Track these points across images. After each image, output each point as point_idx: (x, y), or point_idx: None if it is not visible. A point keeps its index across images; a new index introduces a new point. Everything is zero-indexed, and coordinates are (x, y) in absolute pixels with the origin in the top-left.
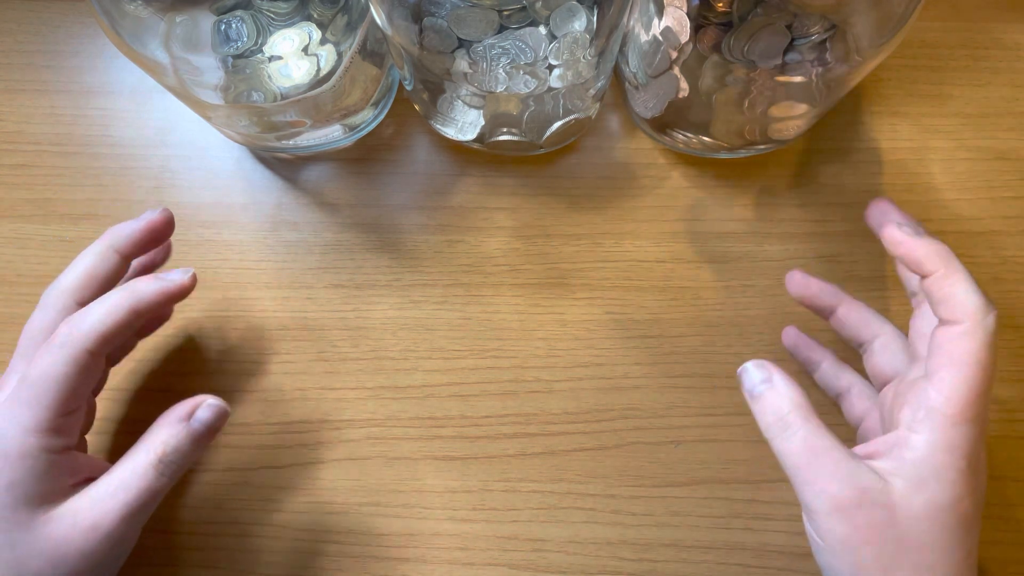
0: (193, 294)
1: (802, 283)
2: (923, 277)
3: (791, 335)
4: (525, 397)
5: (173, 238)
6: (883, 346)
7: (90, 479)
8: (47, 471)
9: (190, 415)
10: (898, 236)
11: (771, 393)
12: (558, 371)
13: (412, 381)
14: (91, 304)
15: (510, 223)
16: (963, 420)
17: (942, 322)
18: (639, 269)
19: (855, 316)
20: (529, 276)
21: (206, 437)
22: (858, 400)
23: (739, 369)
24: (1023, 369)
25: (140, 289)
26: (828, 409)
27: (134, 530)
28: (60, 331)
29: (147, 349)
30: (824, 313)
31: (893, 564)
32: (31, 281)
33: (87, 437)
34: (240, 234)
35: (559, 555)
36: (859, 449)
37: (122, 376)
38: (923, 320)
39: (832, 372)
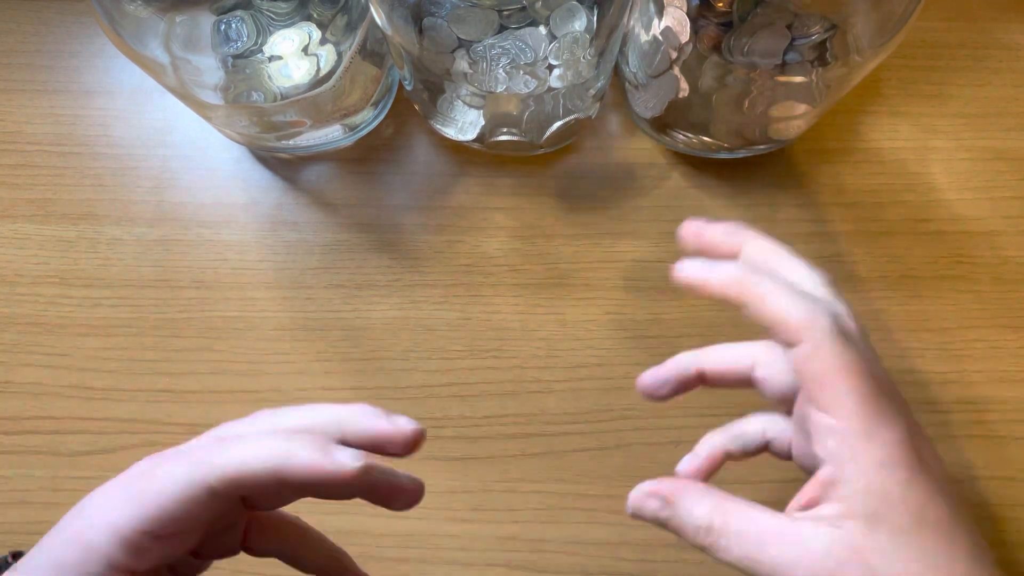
0: (194, 294)
1: (653, 385)
2: (741, 309)
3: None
4: (525, 397)
5: (172, 238)
6: (765, 368)
7: None
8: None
9: None
10: (686, 276)
11: (683, 512)
12: (558, 371)
13: (412, 381)
14: (248, 436)
15: (510, 223)
16: (875, 429)
17: (784, 345)
18: (639, 269)
19: (719, 367)
20: (529, 276)
21: None
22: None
23: (629, 509)
24: (1023, 369)
25: (295, 455)
26: None
27: None
28: (199, 443)
29: (146, 349)
30: (694, 386)
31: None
32: (31, 281)
33: None
34: (240, 234)
35: (559, 555)
36: (800, 498)
37: (122, 376)
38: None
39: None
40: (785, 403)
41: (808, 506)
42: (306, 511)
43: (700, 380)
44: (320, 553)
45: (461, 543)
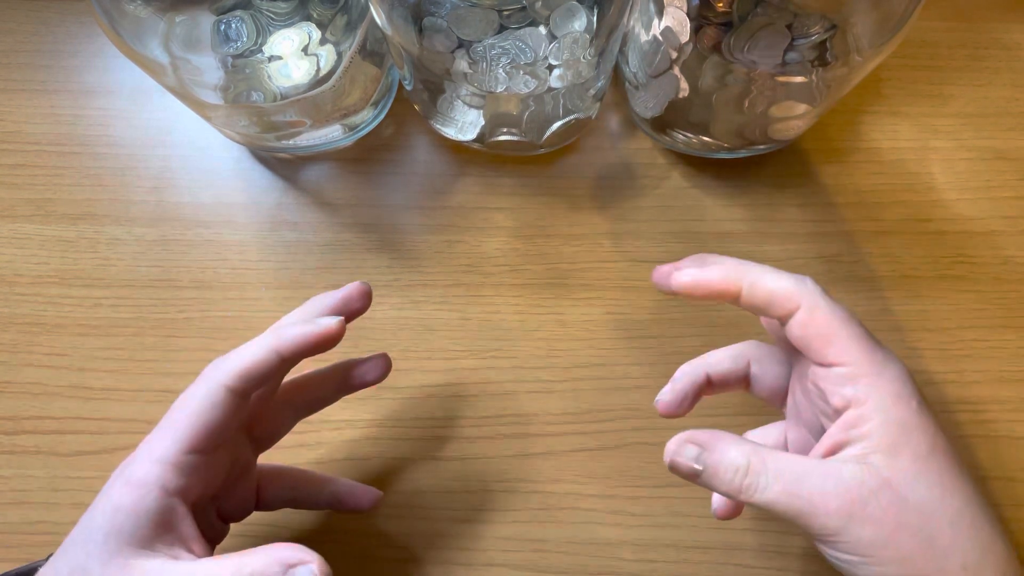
0: (193, 294)
1: (670, 404)
2: (736, 301)
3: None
4: (525, 397)
5: (172, 238)
6: (759, 364)
7: (184, 553)
8: (154, 509)
9: (295, 564)
10: (686, 279)
11: (718, 456)
12: (558, 371)
13: (412, 381)
14: (241, 346)
15: (510, 223)
16: (883, 367)
17: (783, 318)
18: (639, 269)
19: (719, 372)
20: (529, 276)
21: None
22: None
23: (667, 458)
24: (1023, 369)
25: (284, 333)
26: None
27: None
28: (204, 371)
29: (146, 349)
30: (705, 394)
31: (928, 533)
32: (31, 281)
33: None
34: (240, 234)
35: (559, 555)
36: (820, 448)
37: (122, 376)
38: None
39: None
40: (778, 397)
41: (832, 451)
42: (306, 511)
43: (709, 385)
44: (325, 486)
45: (461, 543)
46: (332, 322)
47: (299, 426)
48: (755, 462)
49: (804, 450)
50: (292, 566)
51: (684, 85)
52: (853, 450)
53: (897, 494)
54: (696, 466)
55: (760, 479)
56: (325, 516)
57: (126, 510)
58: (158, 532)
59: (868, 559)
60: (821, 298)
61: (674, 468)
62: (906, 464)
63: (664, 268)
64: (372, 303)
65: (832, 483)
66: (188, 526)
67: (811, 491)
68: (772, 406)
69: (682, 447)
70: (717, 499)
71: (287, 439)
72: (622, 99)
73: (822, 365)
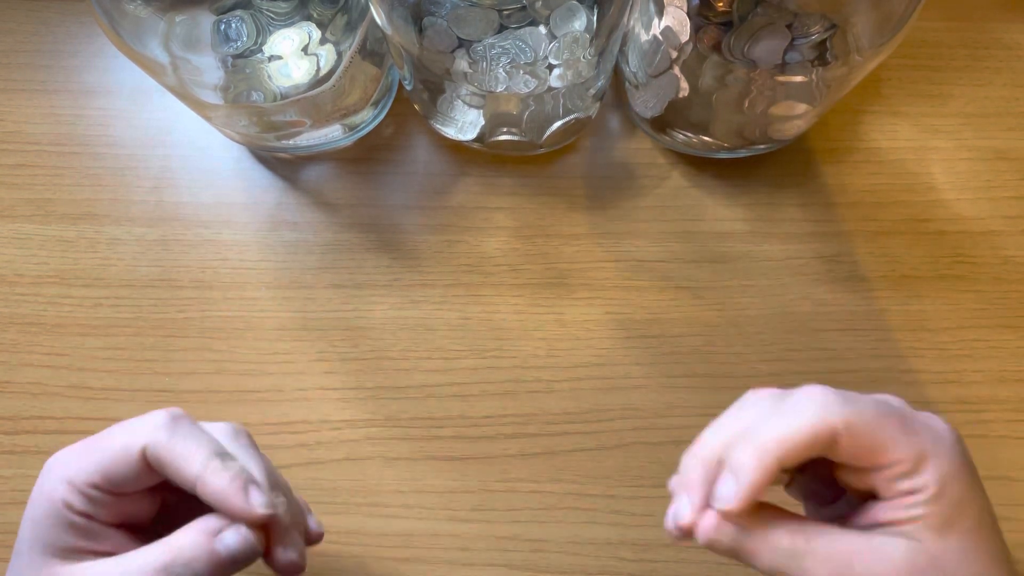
0: (193, 294)
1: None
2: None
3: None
4: (525, 397)
5: (172, 238)
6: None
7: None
8: (69, 521)
9: (219, 531)
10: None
11: (760, 539)
12: (558, 371)
13: (412, 381)
14: (184, 431)
15: (510, 223)
16: (935, 446)
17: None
18: (639, 269)
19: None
20: (529, 276)
21: (226, 566)
22: None
23: (703, 540)
24: (1022, 369)
25: (210, 480)
26: None
27: None
28: (156, 414)
29: (146, 349)
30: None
31: None
32: (31, 281)
33: None
34: (240, 234)
35: (559, 555)
36: (866, 518)
37: (122, 376)
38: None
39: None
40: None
41: (879, 523)
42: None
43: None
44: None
45: (461, 543)
46: (264, 509)
47: (298, 425)
48: (800, 544)
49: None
50: (218, 532)
51: (684, 85)
52: (904, 527)
53: (944, 572)
54: (735, 546)
55: (806, 562)
56: (323, 516)
57: (42, 523)
58: (81, 538)
59: None
60: (844, 406)
61: (711, 547)
62: (955, 542)
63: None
64: (372, 303)
65: (883, 565)
66: (114, 535)
67: (861, 574)
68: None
69: (722, 528)
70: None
71: (285, 439)
72: (622, 99)
73: (875, 470)
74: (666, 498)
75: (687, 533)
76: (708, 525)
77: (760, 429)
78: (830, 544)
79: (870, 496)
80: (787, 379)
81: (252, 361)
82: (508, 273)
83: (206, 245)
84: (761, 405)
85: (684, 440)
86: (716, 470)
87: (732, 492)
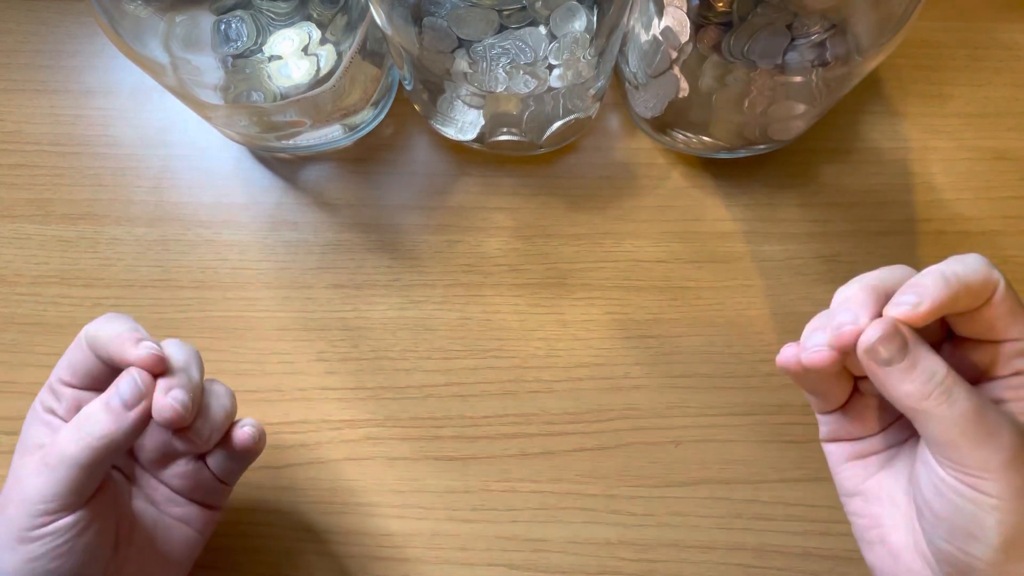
0: (193, 294)
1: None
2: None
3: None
4: (525, 397)
5: (172, 238)
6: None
7: None
8: (36, 422)
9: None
10: (921, 310)
11: (920, 359)
12: (558, 371)
13: (412, 381)
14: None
15: (510, 223)
16: None
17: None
18: (639, 269)
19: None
20: (529, 276)
21: (131, 420)
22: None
23: (865, 341)
24: None
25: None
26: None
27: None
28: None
29: None
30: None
31: None
32: (31, 281)
33: None
34: (240, 234)
35: (559, 555)
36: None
37: None
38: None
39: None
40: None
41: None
42: (306, 511)
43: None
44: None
45: (461, 543)
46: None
47: (298, 426)
48: (951, 374)
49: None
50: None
51: (684, 85)
52: (1012, 405)
53: None
54: (889, 357)
55: (954, 391)
56: (323, 516)
57: (27, 425)
58: (49, 435)
59: (1002, 507)
60: (1004, 285)
61: (871, 353)
62: None
63: (788, 353)
64: (372, 303)
65: (1006, 422)
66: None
67: (991, 421)
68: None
69: (889, 335)
70: (790, 351)
71: (285, 439)
72: (622, 99)
73: (1001, 342)
74: (666, 498)
75: (843, 345)
76: (874, 331)
77: (932, 269)
78: (969, 386)
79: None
80: (787, 379)
81: (252, 361)
82: (508, 273)
83: (206, 245)
84: (906, 268)
85: (684, 440)
86: (884, 298)
87: (912, 302)
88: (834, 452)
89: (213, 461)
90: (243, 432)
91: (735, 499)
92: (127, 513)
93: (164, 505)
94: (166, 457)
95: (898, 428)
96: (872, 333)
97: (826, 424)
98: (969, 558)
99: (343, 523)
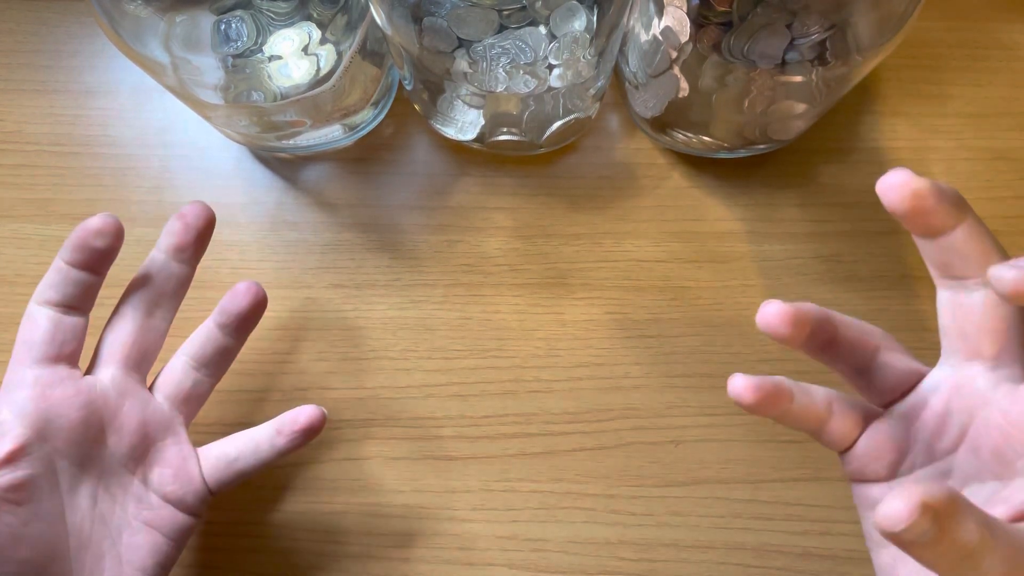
0: (193, 294)
1: (791, 313)
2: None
3: (748, 394)
4: (525, 397)
5: None
6: (890, 352)
7: None
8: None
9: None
10: (906, 181)
11: (954, 534)
12: (558, 371)
13: (412, 381)
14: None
15: (510, 223)
16: None
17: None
18: (639, 269)
19: (853, 329)
20: (529, 276)
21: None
22: (843, 424)
23: (880, 520)
24: None
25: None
26: None
27: None
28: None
29: None
30: (822, 344)
31: None
32: (31, 281)
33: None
34: (240, 234)
35: (559, 555)
36: (1005, 498)
37: None
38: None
39: (804, 402)
40: (884, 395)
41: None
42: (306, 511)
43: (832, 339)
44: (258, 432)
45: (461, 543)
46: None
47: None
48: (986, 538)
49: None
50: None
51: (684, 85)
52: None
53: None
54: (917, 538)
55: (985, 561)
56: (323, 516)
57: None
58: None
59: None
60: None
61: (890, 535)
62: None
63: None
64: (372, 303)
65: None
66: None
67: None
68: (874, 405)
69: (918, 517)
70: (742, 388)
71: None
72: (622, 99)
73: None
74: (666, 498)
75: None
76: (901, 509)
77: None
78: (1013, 538)
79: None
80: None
81: (252, 361)
82: (508, 273)
83: None
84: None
85: (684, 440)
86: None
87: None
88: (861, 495)
89: (207, 459)
90: (308, 411)
91: (735, 499)
92: (82, 520)
93: (133, 507)
94: (147, 439)
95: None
96: (892, 514)
97: (850, 461)
98: None
99: (343, 523)
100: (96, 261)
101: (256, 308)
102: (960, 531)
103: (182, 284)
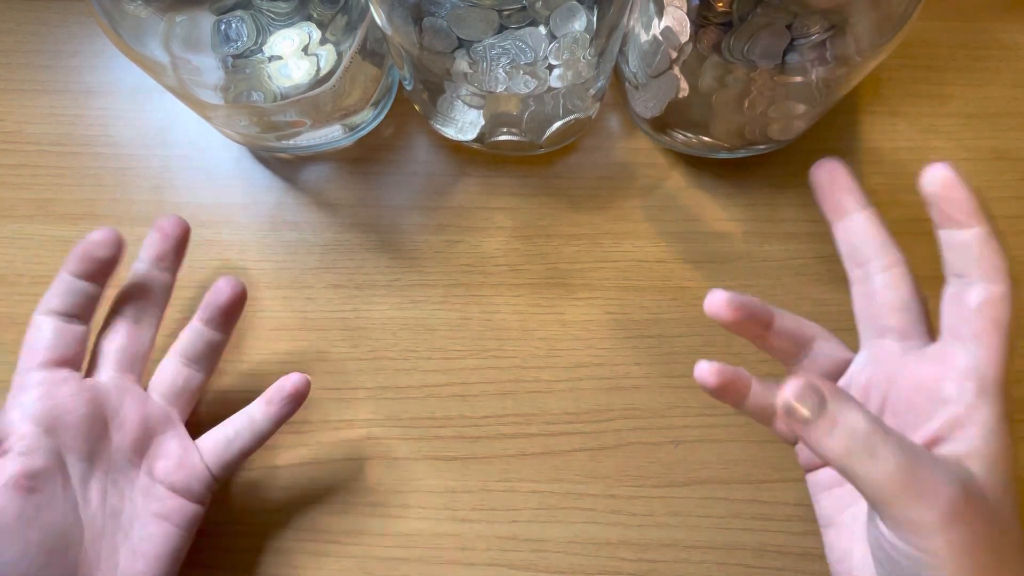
0: (193, 294)
1: (733, 300)
2: (957, 227)
3: (711, 378)
4: (525, 397)
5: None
6: (826, 341)
7: None
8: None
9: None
10: (948, 173)
11: (839, 415)
12: (558, 371)
13: (412, 381)
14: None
15: (510, 223)
16: (1004, 386)
17: (977, 280)
18: (639, 269)
19: (789, 320)
20: (529, 276)
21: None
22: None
23: (783, 400)
24: (1023, 369)
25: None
26: None
27: None
28: None
29: None
30: (759, 329)
31: (1002, 553)
32: (31, 281)
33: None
34: (240, 234)
35: (559, 555)
36: (917, 437)
37: None
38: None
39: (761, 394)
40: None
41: (932, 443)
42: (306, 511)
43: (767, 325)
44: (252, 411)
45: (461, 543)
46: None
47: (298, 426)
48: (876, 429)
49: None
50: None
51: (684, 85)
52: (951, 447)
53: (989, 509)
54: (809, 415)
55: (878, 449)
56: (323, 516)
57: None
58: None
59: (938, 564)
60: (1014, 299)
61: (789, 412)
62: (998, 483)
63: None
64: (372, 303)
65: (943, 477)
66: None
67: (923, 478)
68: None
69: (805, 392)
70: (707, 372)
71: (284, 439)
72: (622, 99)
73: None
74: (666, 498)
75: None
76: (790, 389)
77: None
78: (899, 438)
79: None
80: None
81: (252, 361)
82: (508, 273)
83: (206, 245)
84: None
85: (684, 440)
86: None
87: None
88: (813, 481)
89: (206, 445)
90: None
91: (735, 499)
92: (94, 513)
93: (142, 500)
94: (148, 433)
95: None
96: (788, 391)
97: (802, 451)
98: None
99: (343, 523)
100: (98, 272)
101: (238, 301)
102: (848, 413)
103: (165, 290)
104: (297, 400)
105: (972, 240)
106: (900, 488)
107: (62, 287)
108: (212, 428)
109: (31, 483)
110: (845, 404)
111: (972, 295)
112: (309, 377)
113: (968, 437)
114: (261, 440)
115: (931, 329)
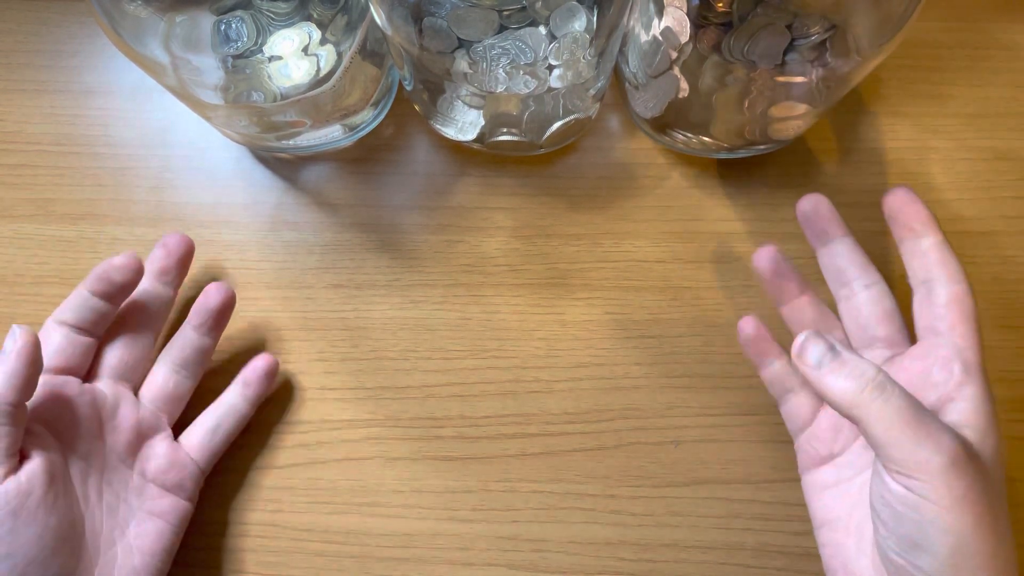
0: (193, 294)
1: (777, 257)
2: (916, 237)
3: (749, 326)
4: (525, 397)
5: None
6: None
7: None
8: None
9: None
10: (906, 191)
11: (849, 359)
12: (558, 371)
13: (412, 381)
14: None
15: (510, 223)
16: (984, 368)
17: (941, 282)
18: (639, 269)
19: (816, 303)
20: (529, 276)
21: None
22: (807, 400)
23: (797, 346)
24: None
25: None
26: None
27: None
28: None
29: None
30: (791, 293)
31: (997, 512)
32: (31, 281)
33: None
34: (240, 234)
35: (559, 555)
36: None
37: None
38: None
39: (785, 370)
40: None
41: (936, 404)
42: (306, 511)
43: (798, 294)
44: (227, 396)
45: (461, 543)
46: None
47: (298, 426)
48: (884, 373)
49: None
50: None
51: (684, 85)
52: (947, 419)
53: (984, 469)
54: (821, 357)
55: (887, 387)
56: (323, 516)
57: None
58: None
59: (942, 511)
60: (972, 293)
61: (802, 355)
62: (989, 452)
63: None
64: (372, 303)
65: (946, 428)
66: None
67: (929, 425)
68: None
69: (818, 339)
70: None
71: (285, 439)
72: (622, 99)
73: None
74: (666, 498)
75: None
76: (802, 338)
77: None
78: (904, 388)
79: None
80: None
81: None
82: (508, 273)
83: (206, 245)
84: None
85: (684, 440)
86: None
87: None
88: (809, 483)
89: (192, 441)
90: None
91: (735, 499)
92: (93, 508)
93: (136, 499)
94: (140, 436)
95: (866, 451)
96: (802, 337)
97: (800, 451)
98: (918, 572)
99: (343, 523)
100: (114, 293)
101: (227, 305)
102: (856, 359)
103: (166, 304)
104: (271, 377)
105: (931, 248)
106: (909, 426)
107: (77, 301)
108: (192, 423)
109: (53, 472)
110: (853, 353)
111: (940, 295)
112: (276, 358)
113: (959, 410)
114: (243, 423)
115: (912, 338)
